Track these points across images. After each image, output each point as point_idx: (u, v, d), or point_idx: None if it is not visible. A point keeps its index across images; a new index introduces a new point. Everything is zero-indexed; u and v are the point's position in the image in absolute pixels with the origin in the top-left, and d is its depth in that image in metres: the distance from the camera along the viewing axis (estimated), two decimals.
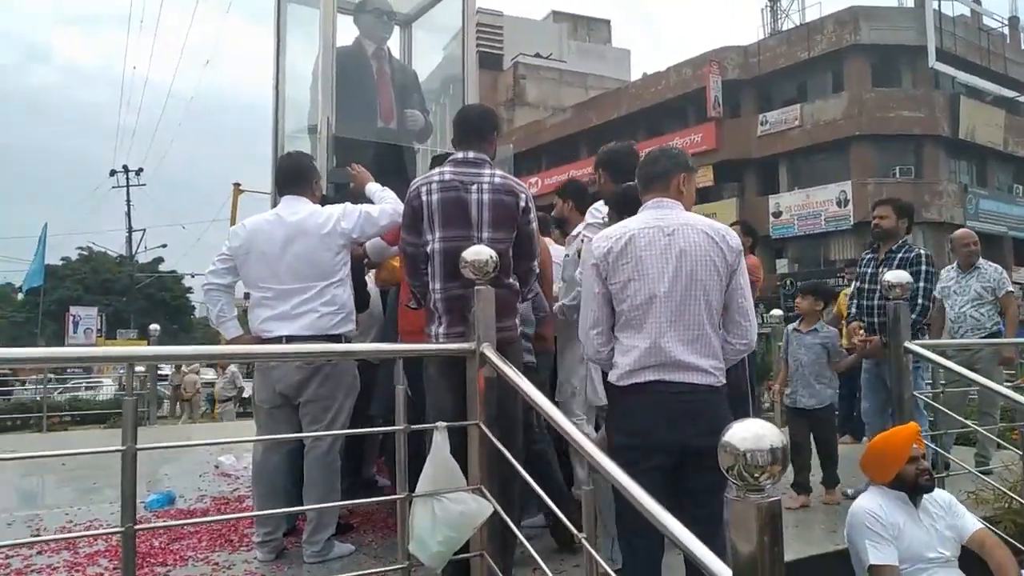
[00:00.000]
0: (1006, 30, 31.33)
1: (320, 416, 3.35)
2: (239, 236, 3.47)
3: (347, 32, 5.79)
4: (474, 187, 2.97)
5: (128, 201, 37.81)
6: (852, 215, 25.95)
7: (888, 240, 4.64)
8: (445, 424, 2.52)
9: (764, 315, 13.44)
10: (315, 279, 3.36)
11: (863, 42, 26.77)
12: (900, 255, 4.54)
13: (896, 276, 4.00)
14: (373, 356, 3.73)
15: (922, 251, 4.56)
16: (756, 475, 1.60)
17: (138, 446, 2.03)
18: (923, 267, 4.43)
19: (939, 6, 27.39)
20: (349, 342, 3.49)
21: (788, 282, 24.65)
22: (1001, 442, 4.79)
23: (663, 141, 24.76)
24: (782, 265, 28.20)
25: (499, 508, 2.48)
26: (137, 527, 2.05)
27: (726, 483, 1.61)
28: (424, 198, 2.96)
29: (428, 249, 2.96)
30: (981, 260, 5.62)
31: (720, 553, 1.78)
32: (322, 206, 3.58)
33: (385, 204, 3.64)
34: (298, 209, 3.48)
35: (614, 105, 33.76)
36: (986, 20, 30.41)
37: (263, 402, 3.45)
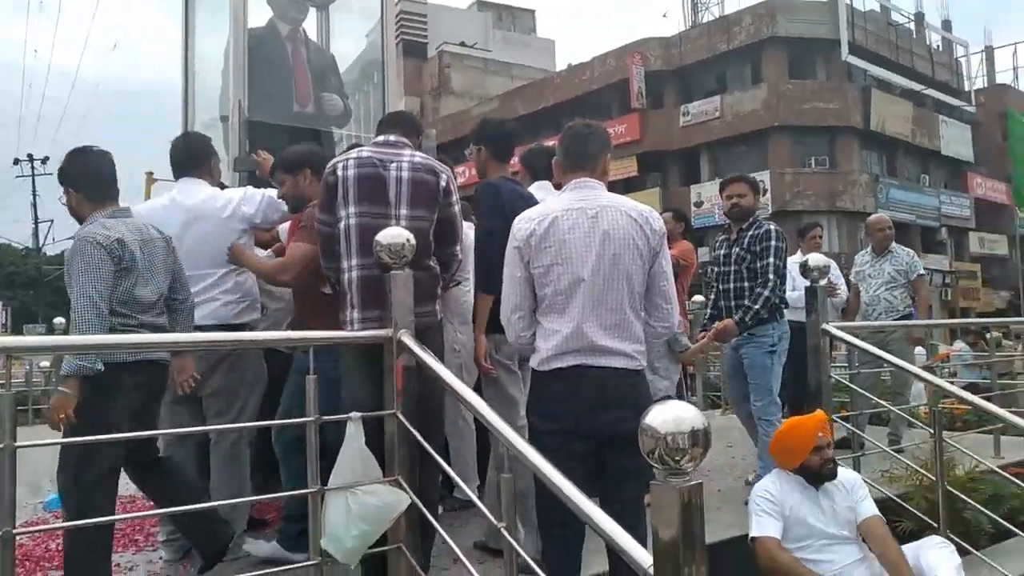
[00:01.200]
0: (912, 25, 32.65)
1: (224, 409, 3.22)
2: None
3: (260, 14, 5.57)
4: (393, 165, 2.87)
5: (34, 191, 36.10)
6: (771, 204, 26.71)
7: (744, 219, 4.42)
8: (360, 415, 2.42)
9: (687, 301, 13.68)
10: (215, 266, 3.21)
11: (780, 35, 27.51)
12: (751, 232, 4.32)
13: (816, 259, 4.09)
14: (282, 345, 3.58)
15: (772, 226, 4.33)
16: (677, 458, 1.56)
17: (17, 443, 1.87)
18: (773, 243, 4.21)
19: (851, 1, 28.37)
20: (254, 331, 3.35)
21: (709, 270, 25.18)
22: (913, 420, 4.95)
23: None
24: (704, 254, 28.82)
25: (417, 500, 2.40)
26: (16, 531, 1.89)
27: (648, 467, 1.57)
28: (340, 174, 2.83)
29: (342, 226, 2.82)
30: (894, 244, 5.79)
31: (643, 538, 1.74)
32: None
33: None
34: (194, 192, 3.32)
35: (540, 95, 33.83)
36: (894, 15, 31.65)
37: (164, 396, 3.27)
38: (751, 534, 3.07)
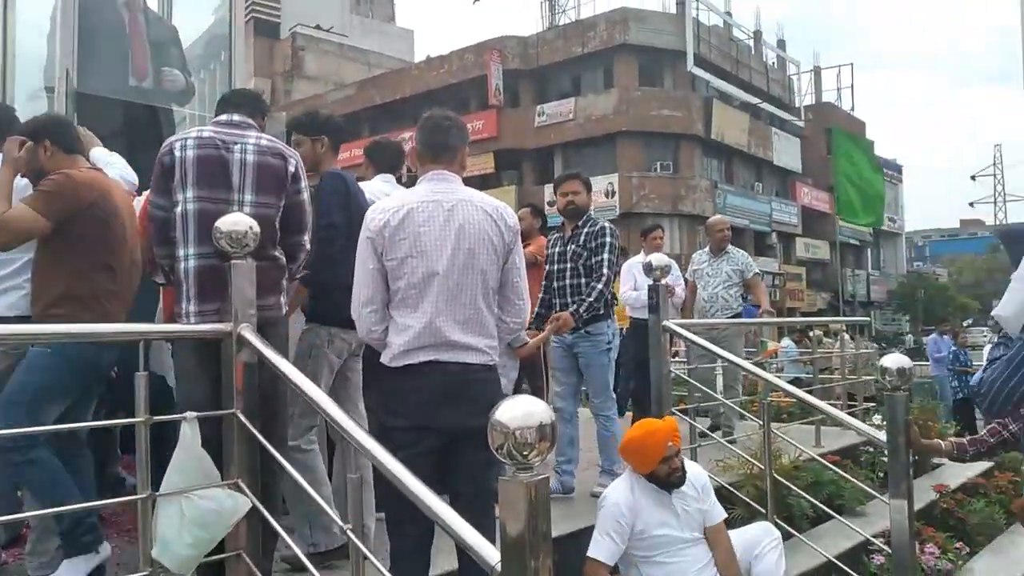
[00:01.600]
0: (751, 42, 34.91)
1: None
2: None
3: None
4: (237, 147, 2.68)
5: None
6: (618, 205, 27.77)
7: (578, 217, 4.37)
8: (196, 415, 2.26)
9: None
10: (18, 251, 2.89)
11: (631, 42, 28.63)
12: (586, 229, 4.29)
13: (658, 259, 4.25)
14: (109, 339, 3.27)
15: (606, 224, 4.35)
16: (525, 453, 1.57)
17: None
18: (608, 239, 4.23)
19: (697, 14, 29.95)
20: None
21: None
22: (744, 413, 5.27)
23: None
24: None
25: (258, 504, 2.28)
26: None
27: (497, 461, 1.57)
28: (177, 154, 2.60)
29: (179, 211, 2.60)
30: (730, 246, 6.14)
31: (492, 531, 1.74)
32: None
33: (111, 170, 3.21)
34: None
35: (397, 85, 33.43)
36: (736, 31, 33.71)
37: None
38: (589, 552, 3.07)
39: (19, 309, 2.88)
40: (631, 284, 5.90)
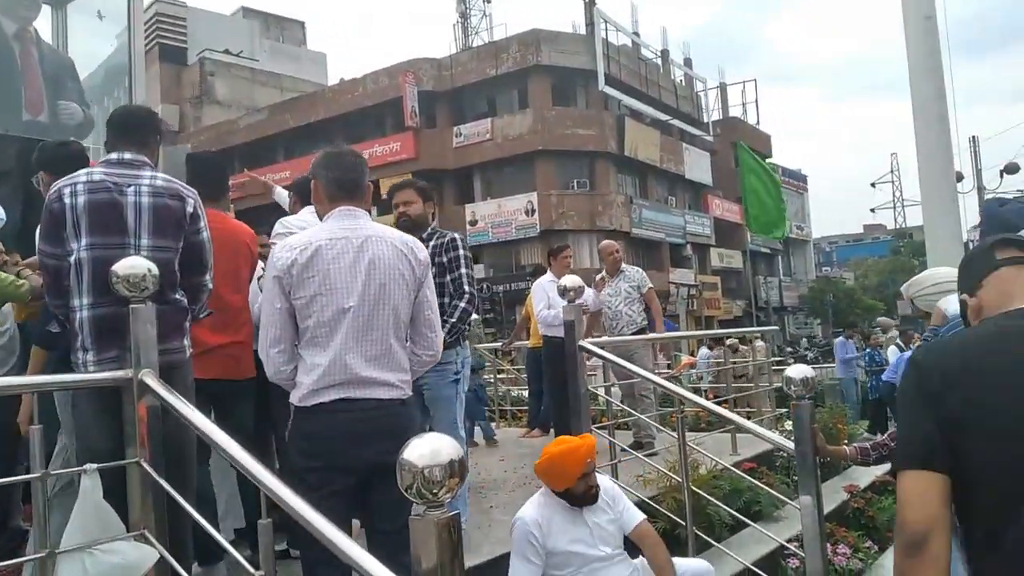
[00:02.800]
0: (659, 61, 35.97)
1: None
2: None
3: None
4: (131, 189, 2.58)
5: None
6: (539, 223, 28.09)
7: (417, 228, 3.69)
8: (96, 466, 2.18)
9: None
10: None
11: (544, 63, 29.10)
12: (433, 242, 3.78)
13: (571, 280, 4.31)
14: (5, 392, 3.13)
15: (455, 234, 3.89)
16: (435, 491, 1.58)
17: None
18: (461, 251, 3.80)
19: (606, 35, 30.68)
20: None
21: (485, 286, 25.99)
22: (660, 427, 5.39)
23: (363, 148, 24.71)
24: (479, 270, 29.62)
25: (166, 554, 2.20)
26: None
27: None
28: (68, 200, 2.50)
29: (73, 259, 2.51)
30: (624, 265, 6.41)
31: (407, 568, 1.73)
32: None
33: None
34: None
35: (311, 108, 33.06)
36: (644, 51, 34.67)
37: None
38: None
39: None
40: (545, 304, 5.98)
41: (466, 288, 3.74)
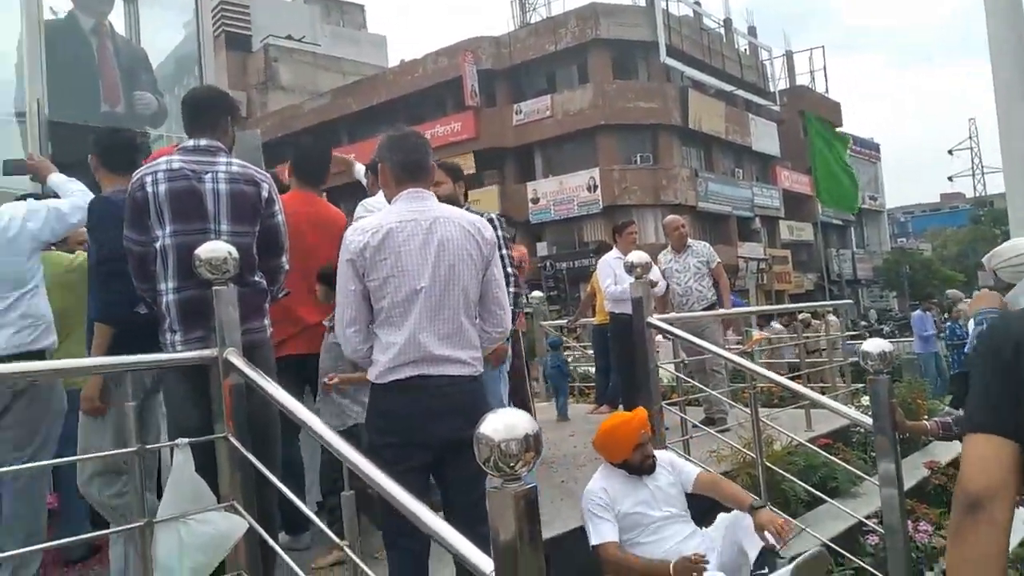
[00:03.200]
0: (722, 31, 35.08)
1: (23, 443, 2.90)
2: None
3: (60, 4, 5.16)
4: (208, 176, 2.67)
5: None
6: (601, 199, 27.86)
7: None
8: (187, 440, 2.28)
9: (527, 296, 14.03)
10: (6, 289, 2.91)
11: (603, 37, 28.70)
12: None
13: (638, 256, 4.27)
14: (96, 372, 3.27)
15: (492, 214, 3.68)
16: (512, 464, 1.60)
17: None
18: (498, 232, 3.40)
19: (667, 5, 30.07)
20: (51, 357, 3.07)
21: (548, 264, 25.99)
22: (732, 403, 5.32)
23: (425, 129, 24.91)
24: (542, 248, 29.62)
25: (255, 524, 2.30)
26: None
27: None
28: (149, 189, 2.61)
29: (158, 246, 2.62)
30: (691, 240, 6.34)
31: (486, 540, 1.77)
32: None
33: (74, 197, 3.20)
34: None
35: (373, 91, 33.39)
36: (706, 20, 33.85)
37: None
38: (592, 542, 3.20)
39: (10, 347, 2.88)
40: (612, 280, 5.96)
41: (508, 270, 3.59)
